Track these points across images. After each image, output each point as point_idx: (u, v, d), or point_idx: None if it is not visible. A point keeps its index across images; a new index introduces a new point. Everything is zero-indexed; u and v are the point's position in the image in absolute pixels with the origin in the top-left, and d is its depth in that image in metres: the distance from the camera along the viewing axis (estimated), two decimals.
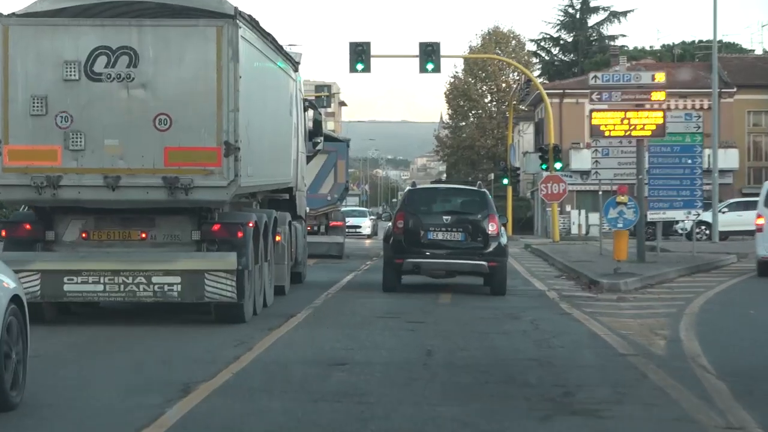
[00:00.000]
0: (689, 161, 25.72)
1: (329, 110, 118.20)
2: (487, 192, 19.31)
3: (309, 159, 23.08)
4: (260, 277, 14.75)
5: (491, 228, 18.09)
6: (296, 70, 19.21)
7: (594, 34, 74.13)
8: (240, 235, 13.31)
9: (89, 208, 13.20)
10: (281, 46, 16.82)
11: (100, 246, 13.33)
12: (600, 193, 28.83)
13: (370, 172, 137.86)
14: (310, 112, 22.17)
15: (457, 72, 75.97)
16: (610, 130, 23.60)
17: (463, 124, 77.03)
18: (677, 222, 34.82)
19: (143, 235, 13.34)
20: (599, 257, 26.05)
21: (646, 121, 23.43)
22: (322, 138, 23.33)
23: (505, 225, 19.48)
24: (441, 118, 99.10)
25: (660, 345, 11.67)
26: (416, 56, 35.51)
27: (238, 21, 12.79)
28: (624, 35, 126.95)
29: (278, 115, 16.86)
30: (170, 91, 12.75)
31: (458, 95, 75.32)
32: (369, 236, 50.69)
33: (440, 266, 18.26)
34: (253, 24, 13.81)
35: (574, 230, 47.45)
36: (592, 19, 74.05)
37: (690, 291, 18.56)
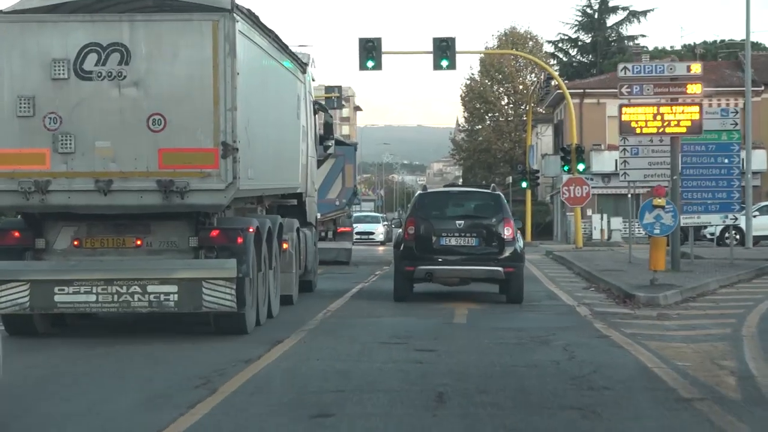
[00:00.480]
0: (726, 161, 23.68)
1: (344, 115, 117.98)
2: (502, 195, 18.48)
3: (320, 163, 22.46)
4: (264, 286, 14.06)
5: (506, 232, 17.33)
6: (304, 71, 18.52)
7: (613, 35, 73.21)
8: (240, 241, 12.65)
9: (81, 214, 12.55)
10: (286, 45, 16.12)
11: (93, 254, 12.69)
12: (629, 195, 27.72)
13: (386, 177, 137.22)
14: (321, 115, 21.55)
15: (473, 74, 75.38)
16: (641, 127, 21.96)
17: (480, 127, 76.32)
18: (705, 226, 32.67)
19: (138, 242, 12.71)
20: (629, 265, 24.55)
21: (681, 116, 21.74)
22: (333, 141, 22.70)
23: (520, 229, 18.56)
24: (457, 121, 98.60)
25: (730, 384, 9.61)
26: (430, 52, 33.64)
27: (235, 14, 12.11)
28: (643, 35, 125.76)
29: (283, 116, 16.17)
30: (164, 90, 12.10)
31: (474, 98, 74.69)
32: (382, 243, 49.25)
33: (454, 273, 17.50)
34: (252, 19, 13.12)
35: (596, 235, 46.36)
36: (611, 19, 73.22)
37: (738, 305, 16.82)
